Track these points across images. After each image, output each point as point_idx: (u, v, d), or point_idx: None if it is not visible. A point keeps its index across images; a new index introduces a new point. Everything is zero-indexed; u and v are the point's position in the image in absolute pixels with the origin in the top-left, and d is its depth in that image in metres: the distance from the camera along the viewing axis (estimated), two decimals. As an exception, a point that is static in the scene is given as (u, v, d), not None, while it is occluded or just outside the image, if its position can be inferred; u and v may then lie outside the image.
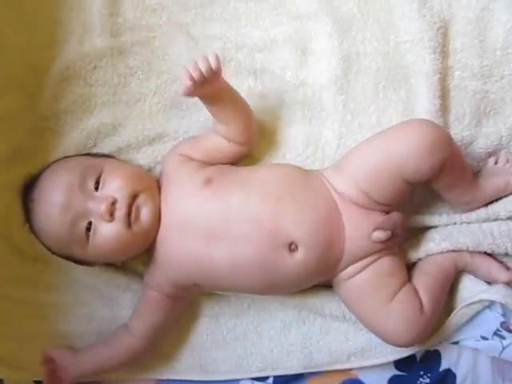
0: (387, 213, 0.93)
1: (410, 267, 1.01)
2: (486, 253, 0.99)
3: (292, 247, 0.89)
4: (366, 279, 0.93)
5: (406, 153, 0.86)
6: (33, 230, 0.94)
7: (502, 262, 1.00)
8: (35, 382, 1.05)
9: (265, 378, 1.07)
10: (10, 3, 1.04)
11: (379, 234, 0.91)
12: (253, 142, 0.99)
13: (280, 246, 0.89)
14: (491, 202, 0.99)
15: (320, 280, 0.97)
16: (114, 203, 0.88)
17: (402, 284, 0.94)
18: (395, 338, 0.93)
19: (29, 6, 1.05)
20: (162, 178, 0.98)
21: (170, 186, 0.95)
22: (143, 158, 1.04)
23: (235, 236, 0.89)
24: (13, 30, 1.04)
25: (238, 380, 1.08)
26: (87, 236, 0.89)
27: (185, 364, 1.07)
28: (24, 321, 1.06)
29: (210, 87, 0.87)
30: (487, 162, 1.01)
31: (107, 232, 0.89)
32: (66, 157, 0.99)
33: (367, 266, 0.93)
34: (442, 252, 0.98)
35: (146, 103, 1.05)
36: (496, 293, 0.99)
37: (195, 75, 0.83)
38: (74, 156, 0.99)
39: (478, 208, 0.98)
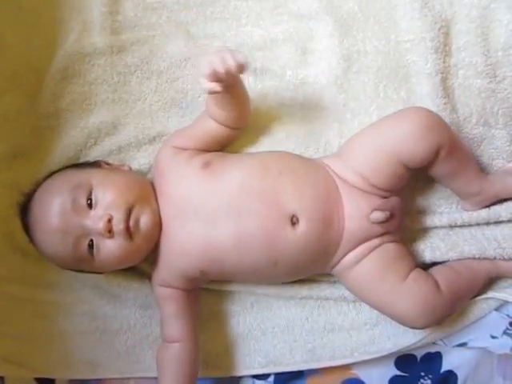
0: (386, 198, 0.93)
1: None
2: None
3: (294, 220, 0.90)
4: (373, 263, 0.93)
5: (401, 136, 0.88)
6: (39, 252, 0.95)
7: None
8: (36, 379, 1.06)
9: (266, 377, 1.07)
10: (9, 3, 1.04)
11: (377, 215, 0.91)
12: (245, 125, 0.99)
13: (282, 218, 0.89)
14: (493, 204, 0.99)
15: (321, 263, 0.96)
16: (110, 220, 0.88)
17: (412, 266, 0.94)
18: (411, 317, 0.91)
19: (29, 6, 1.05)
20: (155, 175, 0.98)
21: (165, 177, 0.95)
22: (144, 156, 1.04)
23: (237, 211, 0.89)
24: (13, 30, 1.04)
25: (240, 378, 1.08)
26: (91, 253, 0.90)
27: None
28: (26, 319, 1.06)
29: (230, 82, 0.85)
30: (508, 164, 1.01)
31: (110, 248, 0.89)
32: (52, 173, 0.98)
33: (370, 251, 0.93)
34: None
35: (146, 102, 1.04)
36: (507, 292, 1.00)
37: (222, 75, 0.81)
38: (60, 172, 0.98)
39: (487, 206, 0.98)
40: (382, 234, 0.93)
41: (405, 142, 0.88)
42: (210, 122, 0.96)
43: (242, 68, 0.81)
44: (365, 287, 0.95)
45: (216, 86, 0.81)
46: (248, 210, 0.89)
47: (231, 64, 0.80)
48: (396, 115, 0.93)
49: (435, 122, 0.89)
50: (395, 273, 0.92)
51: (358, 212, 0.92)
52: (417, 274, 0.93)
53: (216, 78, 0.81)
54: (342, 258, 0.94)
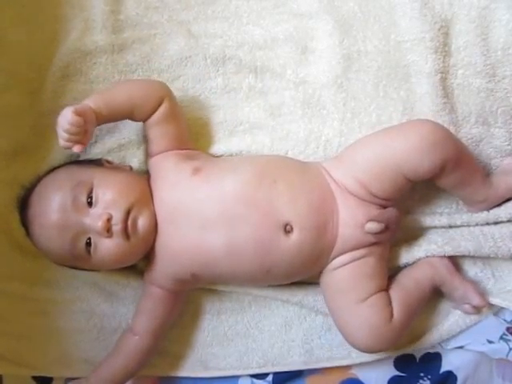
0: (384, 207, 0.93)
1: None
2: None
3: (287, 228, 0.89)
4: (346, 274, 0.93)
5: (407, 150, 0.88)
6: (36, 247, 0.95)
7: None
8: (33, 378, 1.06)
9: (264, 376, 1.07)
10: (12, 1, 1.04)
11: (372, 225, 0.91)
12: (166, 93, 0.97)
13: (275, 227, 0.89)
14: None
15: (314, 269, 0.96)
16: (109, 219, 0.88)
17: (377, 289, 0.94)
18: (355, 339, 0.93)
19: (30, 3, 1.05)
20: (151, 180, 0.98)
21: (157, 182, 0.96)
22: (144, 154, 1.04)
23: (231, 219, 0.89)
24: (14, 27, 1.04)
25: (238, 377, 1.07)
26: (88, 251, 0.90)
27: (185, 361, 1.07)
28: (24, 317, 1.06)
29: (90, 124, 0.88)
30: (502, 162, 1.01)
31: (107, 247, 0.90)
32: (53, 169, 0.98)
33: (352, 261, 0.93)
34: (426, 259, 0.99)
35: (146, 100, 1.04)
36: (504, 299, 1.00)
37: (71, 140, 0.86)
38: (62, 168, 0.98)
39: (493, 207, 0.99)
40: (371, 245, 0.93)
41: (410, 156, 0.88)
42: (147, 124, 0.97)
43: (71, 125, 0.84)
44: (330, 295, 0.96)
45: (76, 147, 0.87)
46: (241, 218, 0.89)
47: (64, 131, 0.85)
48: (403, 127, 0.93)
49: (442, 137, 0.89)
50: (359, 291, 0.93)
51: (353, 220, 0.92)
52: (376, 299, 0.93)
53: (69, 144, 0.87)
54: (329, 263, 0.95)
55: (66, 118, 0.84)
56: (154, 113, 0.95)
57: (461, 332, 1.03)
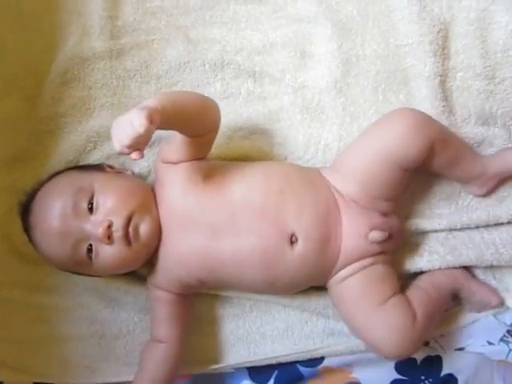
0: (385, 215, 0.93)
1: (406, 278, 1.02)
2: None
3: (293, 239, 0.90)
4: (357, 282, 0.93)
5: (393, 140, 0.89)
6: (38, 252, 0.95)
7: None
8: (35, 384, 1.06)
9: (266, 381, 1.07)
10: (9, 7, 1.04)
11: (376, 234, 0.91)
12: (217, 123, 0.92)
13: (281, 237, 0.89)
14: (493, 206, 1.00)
15: (317, 280, 0.96)
16: (110, 226, 0.87)
17: (394, 292, 0.93)
18: (384, 344, 0.91)
19: (28, 10, 1.05)
20: (155, 184, 0.98)
21: (164, 188, 0.94)
22: (143, 160, 1.03)
23: (238, 227, 0.89)
24: (12, 34, 1.04)
25: (240, 381, 1.08)
26: (89, 257, 0.90)
27: (187, 365, 1.06)
28: (24, 324, 1.06)
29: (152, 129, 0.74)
30: None
31: (108, 254, 0.89)
32: (54, 174, 0.98)
33: (360, 269, 0.93)
34: (443, 268, 0.99)
35: (145, 106, 1.04)
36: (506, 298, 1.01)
37: (133, 147, 0.73)
38: (63, 173, 0.97)
39: (491, 187, 0.99)
40: (376, 254, 0.93)
41: (398, 143, 0.89)
42: (180, 135, 0.91)
43: (142, 134, 0.71)
44: (345, 306, 0.95)
45: (135, 154, 0.74)
46: (249, 226, 0.89)
47: (131, 140, 0.72)
48: (384, 119, 0.94)
49: (422, 120, 0.90)
50: (376, 295, 0.92)
51: (356, 230, 0.92)
52: (397, 300, 0.93)
53: (129, 150, 0.74)
54: (335, 274, 0.95)
55: (138, 124, 0.71)
56: (199, 136, 0.91)
57: (461, 332, 1.04)
